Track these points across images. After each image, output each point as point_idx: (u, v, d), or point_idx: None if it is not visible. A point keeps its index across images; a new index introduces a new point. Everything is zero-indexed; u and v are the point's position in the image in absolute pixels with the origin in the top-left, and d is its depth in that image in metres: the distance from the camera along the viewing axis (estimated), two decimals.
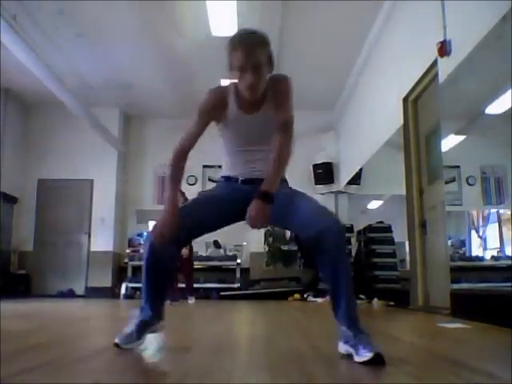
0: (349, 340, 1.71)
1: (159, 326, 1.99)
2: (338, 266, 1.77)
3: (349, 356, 1.70)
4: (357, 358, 1.64)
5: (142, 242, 9.25)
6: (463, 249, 4.68)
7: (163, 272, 1.94)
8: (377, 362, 1.58)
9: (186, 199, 6.57)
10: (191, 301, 6.46)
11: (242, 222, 1.92)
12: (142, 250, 9.00)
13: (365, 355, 1.61)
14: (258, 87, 1.83)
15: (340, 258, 1.78)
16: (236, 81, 1.85)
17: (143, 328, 1.91)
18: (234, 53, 1.78)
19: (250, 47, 1.79)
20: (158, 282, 1.95)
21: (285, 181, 2.02)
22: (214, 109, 1.92)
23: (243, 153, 1.98)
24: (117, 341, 1.87)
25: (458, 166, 4.36)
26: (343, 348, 1.75)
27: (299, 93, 8.10)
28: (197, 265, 8.41)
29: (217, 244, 9.00)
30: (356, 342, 1.67)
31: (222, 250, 9.09)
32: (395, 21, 5.52)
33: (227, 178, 2.01)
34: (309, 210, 1.87)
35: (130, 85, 7.94)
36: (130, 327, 1.91)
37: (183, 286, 6.67)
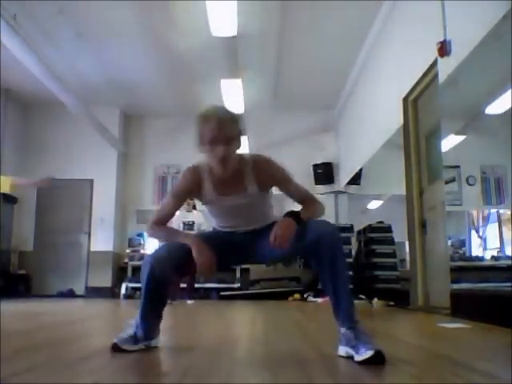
0: (349, 341, 1.71)
1: (153, 342, 1.97)
2: (337, 268, 1.76)
3: (349, 358, 1.70)
4: (357, 357, 1.64)
5: (141, 242, 9.27)
6: (463, 249, 4.68)
7: (161, 295, 1.94)
8: (377, 359, 1.59)
9: (194, 206, 6.57)
10: (190, 301, 6.42)
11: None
12: (142, 251, 9.03)
13: (365, 353, 1.61)
14: (229, 161, 1.83)
15: (338, 260, 1.77)
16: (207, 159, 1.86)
17: (138, 340, 1.90)
18: (206, 125, 1.80)
19: (222, 120, 1.80)
20: (156, 304, 1.94)
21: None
22: (189, 191, 1.97)
23: (232, 222, 2.01)
24: (115, 340, 1.86)
25: (458, 166, 4.36)
26: (343, 350, 1.75)
27: (299, 93, 8.17)
28: None
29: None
30: (356, 343, 1.67)
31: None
32: (395, 21, 5.52)
33: (224, 228, 2.05)
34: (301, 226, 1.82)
35: (130, 85, 7.95)
36: (126, 333, 1.91)
37: (184, 285, 6.63)
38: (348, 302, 1.78)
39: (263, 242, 1.88)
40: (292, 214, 1.83)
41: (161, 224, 1.98)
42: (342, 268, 1.79)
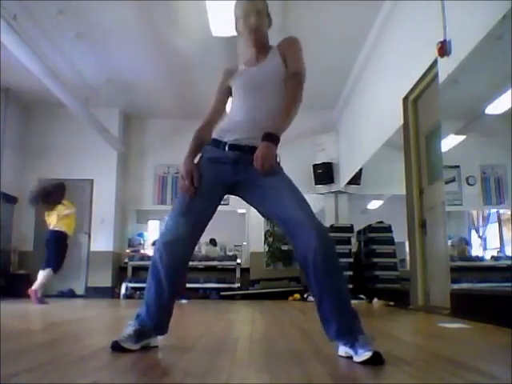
0: (348, 342, 1.71)
1: (155, 339, 1.96)
2: (333, 271, 1.74)
3: (349, 358, 1.70)
4: (356, 358, 1.65)
5: (141, 242, 9.28)
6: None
7: (174, 280, 1.90)
8: (376, 360, 1.59)
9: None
10: (184, 301, 6.34)
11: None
12: (142, 251, 9.04)
13: (364, 354, 1.62)
14: (261, 30, 2.07)
15: (332, 262, 1.74)
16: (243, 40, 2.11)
17: (139, 337, 1.88)
18: (239, 6, 2.08)
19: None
20: (167, 291, 1.89)
21: (278, 163, 1.94)
22: (225, 82, 2.11)
23: (246, 102, 2.00)
24: (116, 339, 1.85)
25: (458, 166, 4.36)
26: (343, 350, 1.76)
27: None
28: (196, 265, 8.43)
29: (214, 242, 9.00)
30: (355, 344, 1.68)
31: (218, 248, 9.08)
32: (395, 21, 5.52)
33: (215, 143, 1.97)
34: (296, 219, 1.77)
35: (130, 85, 7.95)
36: (126, 332, 1.89)
37: None
38: (344, 316, 1.74)
39: (258, 192, 1.87)
40: (267, 137, 1.82)
41: (208, 124, 2.07)
42: (332, 286, 1.74)
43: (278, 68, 2.01)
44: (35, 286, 5.93)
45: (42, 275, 6.05)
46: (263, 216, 2.08)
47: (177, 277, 1.91)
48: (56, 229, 6.23)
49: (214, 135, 2.01)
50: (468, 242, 4.56)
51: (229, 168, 1.91)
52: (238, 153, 1.90)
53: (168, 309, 1.95)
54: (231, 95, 2.11)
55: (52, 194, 6.19)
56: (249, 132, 1.92)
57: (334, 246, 1.81)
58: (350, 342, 1.70)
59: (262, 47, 2.10)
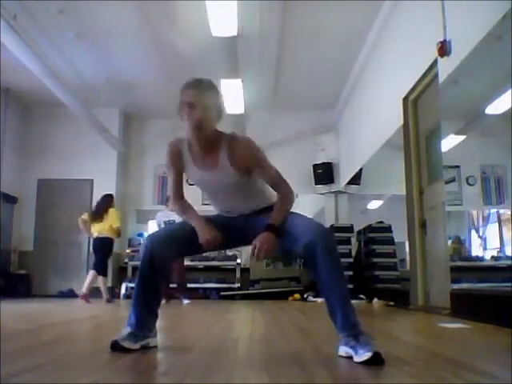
0: (348, 342, 1.72)
1: (153, 339, 1.97)
2: (330, 278, 1.77)
3: (349, 358, 1.70)
4: (356, 358, 1.66)
5: (141, 242, 9.27)
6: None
7: (156, 283, 1.96)
8: (376, 361, 1.59)
9: None
10: (186, 301, 6.29)
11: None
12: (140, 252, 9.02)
13: (364, 355, 1.62)
14: (205, 129, 1.89)
15: (330, 269, 1.77)
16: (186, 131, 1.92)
17: (137, 337, 1.90)
18: (187, 90, 1.90)
19: (201, 86, 1.91)
20: (149, 294, 1.96)
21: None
22: (174, 161, 2.04)
23: (212, 199, 2.10)
24: (115, 338, 1.86)
25: (458, 166, 4.36)
26: (343, 351, 1.76)
27: (299, 93, 8.17)
28: (196, 265, 8.43)
29: None
30: (355, 344, 1.68)
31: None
32: (395, 21, 5.52)
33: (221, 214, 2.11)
34: (295, 227, 1.87)
35: (130, 85, 7.95)
36: (125, 331, 1.91)
37: (174, 285, 6.55)
38: (346, 311, 1.77)
39: (260, 228, 1.92)
40: (271, 227, 1.88)
41: (179, 197, 2.11)
42: (336, 277, 1.78)
43: (233, 176, 1.94)
44: (84, 289, 6.52)
45: (89, 277, 6.66)
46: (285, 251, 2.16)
47: (158, 274, 1.95)
48: (103, 236, 6.66)
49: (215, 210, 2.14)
50: (462, 241, 4.56)
51: (236, 224, 2.03)
52: (244, 217, 2.03)
53: (150, 305, 1.97)
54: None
55: (100, 206, 6.83)
56: (235, 212, 2.05)
57: (334, 239, 1.90)
58: (352, 335, 1.72)
59: (207, 146, 1.93)
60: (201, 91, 1.89)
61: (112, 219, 6.66)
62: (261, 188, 2.04)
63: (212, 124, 1.92)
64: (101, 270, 6.65)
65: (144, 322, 1.94)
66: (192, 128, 1.87)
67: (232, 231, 2.03)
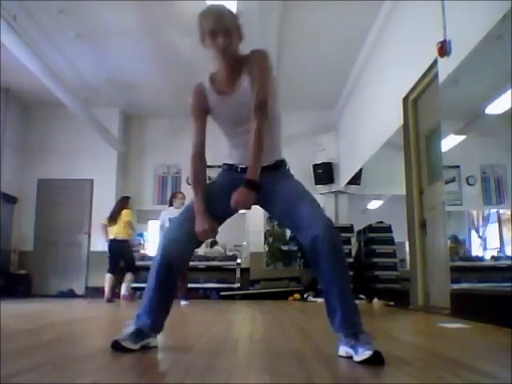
0: (348, 342, 1.72)
1: (154, 340, 1.97)
2: (332, 276, 1.75)
3: (349, 358, 1.70)
4: (356, 358, 1.65)
5: (141, 242, 9.26)
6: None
7: (174, 279, 1.96)
8: (376, 360, 1.59)
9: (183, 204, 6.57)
10: (184, 302, 6.22)
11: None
12: (142, 251, 9.03)
13: (364, 353, 1.62)
14: (230, 50, 1.90)
15: (334, 265, 1.75)
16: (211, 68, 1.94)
17: (139, 337, 1.89)
18: (205, 19, 1.90)
19: (219, 12, 1.91)
20: (168, 292, 1.96)
21: (285, 166, 2.05)
22: (200, 105, 2.01)
23: (234, 137, 2.02)
24: (116, 338, 1.86)
25: (458, 166, 4.36)
26: (343, 350, 1.75)
27: (299, 93, 8.17)
28: (197, 265, 8.42)
29: (213, 242, 9.01)
30: (355, 343, 1.68)
31: (218, 247, 9.08)
32: (395, 21, 5.52)
33: (228, 167, 2.06)
34: (304, 215, 1.83)
35: (130, 85, 7.95)
36: (126, 332, 1.90)
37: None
38: (343, 312, 1.75)
39: (270, 198, 1.92)
40: (246, 184, 1.83)
41: (200, 152, 2.01)
42: (338, 276, 1.76)
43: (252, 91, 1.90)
44: (123, 290, 7.01)
45: (127, 279, 7.07)
46: (276, 220, 2.11)
47: (175, 275, 1.95)
48: (118, 238, 6.89)
49: (225, 161, 2.07)
50: (459, 241, 4.56)
51: (239, 182, 1.89)
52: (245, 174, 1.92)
53: (166, 307, 1.97)
54: (208, 115, 2.04)
55: (115, 209, 7.08)
56: (246, 158, 1.93)
57: (339, 236, 1.88)
58: (350, 335, 1.71)
59: (232, 67, 1.93)
60: (221, 16, 1.89)
61: (123, 217, 6.85)
62: (276, 133, 1.99)
63: (236, 47, 1.93)
64: (112, 269, 6.89)
65: (159, 324, 1.96)
66: (220, 54, 1.89)
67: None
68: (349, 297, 1.78)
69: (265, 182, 1.87)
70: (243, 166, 1.96)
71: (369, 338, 1.69)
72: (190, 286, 7.09)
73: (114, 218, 6.92)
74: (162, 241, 1.94)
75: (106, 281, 6.89)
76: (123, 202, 7.14)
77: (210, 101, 1.99)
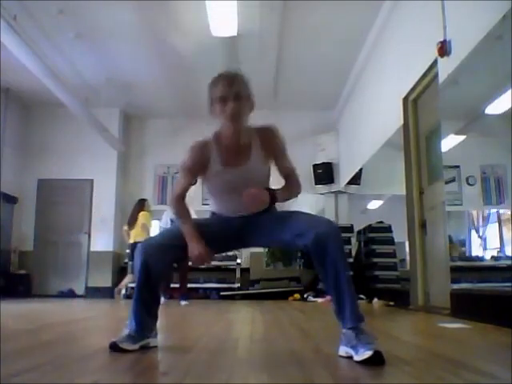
0: (349, 341, 1.71)
1: (154, 340, 1.97)
2: (340, 269, 1.77)
3: (349, 358, 1.70)
4: (356, 357, 1.64)
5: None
6: (463, 249, 4.68)
7: (154, 287, 1.94)
8: (376, 360, 1.58)
9: None
10: (184, 302, 6.22)
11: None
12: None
13: (364, 353, 1.61)
14: (240, 121, 1.85)
15: (340, 260, 1.77)
16: (216, 129, 1.91)
17: (135, 338, 1.89)
18: (216, 85, 1.85)
19: (231, 78, 1.86)
20: (147, 297, 1.93)
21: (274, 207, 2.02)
22: (197, 166, 1.94)
23: (229, 202, 1.99)
24: (114, 339, 1.86)
25: (458, 166, 4.36)
26: (343, 350, 1.75)
27: (299, 93, 8.18)
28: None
29: None
30: (356, 343, 1.67)
31: None
32: (395, 21, 5.52)
33: (218, 216, 2.06)
34: (302, 220, 1.86)
35: (130, 85, 7.95)
36: (124, 332, 1.91)
37: (177, 285, 6.55)
38: (351, 303, 1.77)
39: (261, 226, 1.93)
40: (270, 190, 1.88)
41: (181, 198, 2.01)
42: (345, 268, 1.77)
43: (262, 169, 1.95)
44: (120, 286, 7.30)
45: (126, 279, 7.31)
46: (266, 245, 2.10)
47: (154, 283, 1.92)
48: (138, 241, 6.79)
49: (213, 210, 2.08)
50: (455, 241, 4.56)
51: (234, 227, 1.97)
52: (243, 219, 1.96)
53: (149, 312, 1.95)
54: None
55: (132, 212, 7.10)
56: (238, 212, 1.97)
57: (340, 233, 1.85)
58: (357, 328, 1.71)
59: (240, 141, 1.89)
60: (233, 81, 1.84)
61: (139, 220, 6.89)
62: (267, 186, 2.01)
63: (247, 116, 1.89)
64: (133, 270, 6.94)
65: (144, 326, 1.93)
66: (229, 121, 1.83)
67: (229, 234, 1.99)
68: (354, 292, 1.81)
69: (261, 218, 1.92)
70: (237, 216, 1.97)
71: (370, 338, 1.68)
72: (189, 286, 7.09)
73: (131, 222, 6.95)
74: (140, 249, 1.90)
75: (126, 279, 7.12)
76: (139, 205, 7.14)
77: (211, 167, 1.91)
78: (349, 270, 1.81)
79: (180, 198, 2.02)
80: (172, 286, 6.74)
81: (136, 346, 1.87)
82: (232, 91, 1.81)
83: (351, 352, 1.68)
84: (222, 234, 1.99)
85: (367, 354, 1.60)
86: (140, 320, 1.91)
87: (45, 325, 3.37)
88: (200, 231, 1.94)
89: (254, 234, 1.97)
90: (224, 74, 1.88)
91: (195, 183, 2.03)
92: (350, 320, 1.75)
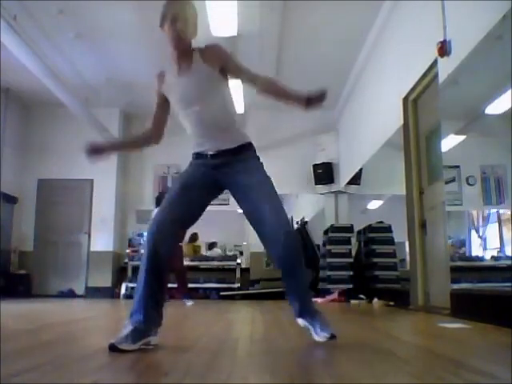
0: (305, 316, 2.07)
1: (155, 338, 1.97)
2: (292, 273, 2.07)
3: (348, 358, 1.70)
4: (316, 338, 2.01)
5: (142, 242, 9.27)
6: (463, 249, 4.68)
7: (163, 269, 2.03)
8: (332, 338, 1.96)
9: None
10: (189, 302, 6.16)
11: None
12: (142, 251, 9.03)
13: (323, 335, 1.98)
14: (184, 37, 2.11)
15: (293, 265, 2.06)
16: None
17: (137, 336, 1.89)
18: (168, 4, 2.15)
19: (181, 2, 2.15)
20: (157, 279, 2.00)
21: (254, 150, 2.18)
22: (159, 83, 2.28)
23: (192, 124, 2.14)
24: (113, 341, 1.84)
25: (458, 166, 4.36)
26: (301, 322, 2.09)
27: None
28: (197, 265, 8.44)
29: (211, 244, 9.07)
30: (314, 321, 2.04)
31: (218, 250, 9.10)
32: (395, 21, 5.52)
33: (197, 155, 2.18)
34: (269, 213, 2.03)
35: (130, 85, 7.94)
36: (123, 333, 1.89)
37: (174, 286, 6.52)
38: (303, 297, 2.11)
39: (238, 189, 2.10)
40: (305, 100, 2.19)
41: (152, 127, 2.27)
42: (301, 274, 2.09)
43: (207, 78, 2.13)
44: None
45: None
46: (244, 213, 2.20)
47: (162, 266, 2.02)
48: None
49: (194, 150, 2.20)
50: (451, 241, 4.57)
51: (210, 171, 2.12)
52: (218, 159, 2.11)
53: (157, 299, 2.00)
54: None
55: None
56: (212, 141, 2.12)
57: (299, 242, 2.18)
58: (309, 320, 2.06)
59: (184, 53, 2.15)
60: (182, 6, 2.11)
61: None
62: (231, 114, 2.17)
63: (190, 35, 2.14)
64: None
65: (150, 317, 1.95)
66: (173, 38, 2.09)
67: (207, 184, 2.12)
68: (307, 290, 2.14)
69: (239, 171, 2.08)
70: (212, 153, 2.11)
71: (326, 320, 2.05)
72: (190, 286, 7.09)
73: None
74: (149, 230, 2.02)
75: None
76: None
77: (168, 83, 2.21)
78: (304, 275, 2.13)
79: (151, 127, 2.26)
80: (170, 286, 6.69)
81: (136, 346, 1.87)
82: (181, 13, 2.09)
83: (310, 327, 2.06)
84: (200, 190, 2.11)
85: (326, 335, 1.98)
86: (146, 311, 1.93)
87: (45, 325, 3.37)
88: (182, 189, 2.11)
89: (238, 192, 2.12)
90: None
91: (168, 112, 2.25)
92: (300, 315, 2.12)
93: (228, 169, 2.09)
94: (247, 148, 2.15)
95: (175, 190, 2.12)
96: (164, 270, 2.04)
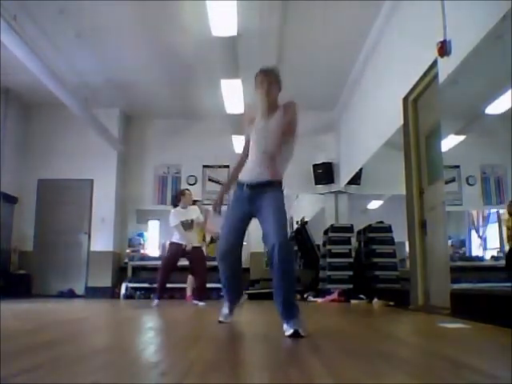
0: (285, 319, 2.50)
1: (241, 301, 3.20)
2: (282, 274, 2.61)
3: (348, 358, 1.70)
4: (286, 334, 2.39)
5: (141, 242, 9.28)
6: (463, 249, 4.68)
7: (233, 270, 3.08)
8: (296, 335, 2.35)
9: (194, 201, 6.51)
10: (201, 303, 5.95)
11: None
12: (142, 251, 9.04)
13: (289, 331, 2.38)
14: (271, 96, 2.85)
15: (283, 267, 2.59)
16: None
17: (232, 308, 3.16)
18: (259, 74, 2.89)
19: (268, 72, 2.92)
20: (230, 279, 3.08)
21: (280, 186, 2.87)
22: (249, 119, 3.00)
23: (253, 151, 2.88)
24: (220, 319, 3.09)
25: (458, 166, 4.36)
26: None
27: (299, 93, 8.15)
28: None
29: (211, 241, 9.03)
30: (288, 325, 2.43)
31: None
32: (395, 21, 5.52)
33: (239, 184, 2.90)
34: (268, 227, 2.66)
35: (130, 85, 7.95)
36: (225, 309, 3.13)
37: (185, 285, 6.46)
38: (287, 297, 2.63)
39: (263, 206, 2.74)
40: None
41: (239, 166, 3.00)
42: (290, 276, 2.71)
43: (279, 126, 2.86)
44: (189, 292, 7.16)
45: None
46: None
47: (234, 270, 3.09)
48: (198, 245, 6.61)
49: (239, 179, 2.91)
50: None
51: (246, 201, 2.83)
52: (252, 190, 2.80)
53: (237, 288, 3.25)
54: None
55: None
56: (257, 169, 2.82)
57: (291, 251, 2.99)
58: (286, 319, 2.49)
59: (270, 107, 2.86)
60: (268, 74, 2.87)
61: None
62: (283, 158, 2.92)
63: (275, 93, 2.90)
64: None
65: (234, 298, 3.21)
66: (263, 94, 2.82)
67: (245, 208, 2.84)
68: (291, 294, 2.69)
69: (262, 198, 2.74)
70: (249, 184, 2.80)
71: (298, 323, 2.43)
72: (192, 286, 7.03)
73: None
74: (219, 251, 2.99)
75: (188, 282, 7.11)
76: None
77: (254, 123, 2.93)
78: (290, 274, 2.73)
79: (244, 151, 3.00)
80: (170, 286, 6.64)
81: (232, 316, 3.21)
82: (266, 80, 2.85)
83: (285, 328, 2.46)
84: (240, 208, 2.86)
85: (291, 331, 2.37)
86: (232, 294, 3.19)
87: (45, 325, 3.37)
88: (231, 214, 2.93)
89: (258, 215, 2.78)
90: (266, 68, 2.93)
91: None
92: (282, 315, 2.61)
93: (256, 197, 2.80)
94: (275, 184, 2.82)
95: (228, 221, 2.95)
96: (237, 270, 3.16)
